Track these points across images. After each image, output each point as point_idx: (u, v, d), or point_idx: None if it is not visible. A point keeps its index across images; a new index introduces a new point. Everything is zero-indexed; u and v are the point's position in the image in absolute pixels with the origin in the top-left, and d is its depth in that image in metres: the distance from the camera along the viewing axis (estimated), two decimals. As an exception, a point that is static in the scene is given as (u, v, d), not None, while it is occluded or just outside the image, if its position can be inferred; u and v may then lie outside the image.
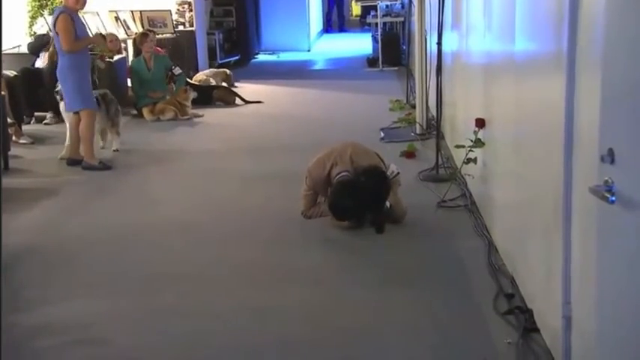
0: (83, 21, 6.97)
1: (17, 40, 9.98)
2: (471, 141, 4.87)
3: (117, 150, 7.23)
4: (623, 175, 1.97)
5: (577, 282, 2.75)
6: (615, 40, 2.12)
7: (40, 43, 9.18)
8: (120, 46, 9.93)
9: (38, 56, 9.07)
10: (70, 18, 6.46)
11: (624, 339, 2.12)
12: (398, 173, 4.95)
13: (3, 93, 7.39)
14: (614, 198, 1.99)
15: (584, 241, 2.59)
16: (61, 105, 6.93)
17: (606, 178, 2.02)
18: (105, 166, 6.68)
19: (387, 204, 4.75)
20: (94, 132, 6.79)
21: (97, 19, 9.94)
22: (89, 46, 6.96)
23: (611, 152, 2.03)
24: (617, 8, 2.10)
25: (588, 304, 2.54)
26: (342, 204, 4.66)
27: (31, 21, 10.39)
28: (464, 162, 5.06)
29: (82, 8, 6.76)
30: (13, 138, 7.48)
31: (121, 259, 4.58)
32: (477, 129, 4.81)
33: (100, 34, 7.06)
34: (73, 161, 6.75)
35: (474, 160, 4.94)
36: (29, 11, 10.41)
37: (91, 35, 6.97)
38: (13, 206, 5.71)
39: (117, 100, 7.44)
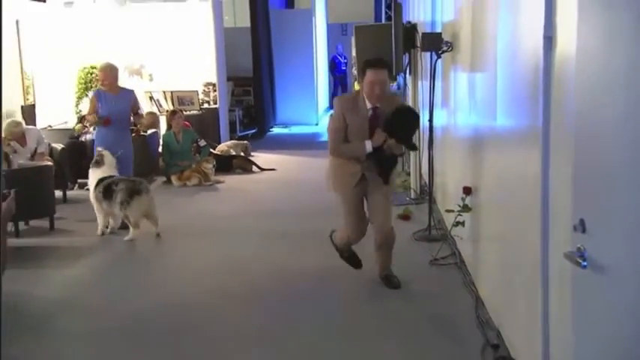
0: (117, 98, 6.89)
1: (65, 117, 10.15)
2: (459, 206, 4.85)
3: (159, 234, 6.41)
4: (594, 243, 1.95)
5: (555, 337, 2.69)
6: (585, 118, 2.11)
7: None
8: (158, 121, 10.09)
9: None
10: (95, 97, 6.77)
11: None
12: None
13: (51, 163, 7.47)
14: (586, 263, 1.96)
15: (561, 300, 2.55)
16: None
17: (579, 246, 1.99)
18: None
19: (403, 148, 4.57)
20: None
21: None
22: (121, 121, 6.93)
23: (582, 222, 2.00)
24: (585, 89, 2.09)
25: (566, 357, 2.48)
26: (400, 118, 4.39)
27: (78, 100, 10.56)
28: (453, 225, 5.02)
29: (108, 87, 6.87)
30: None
31: (147, 319, 4.51)
32: (464, 196, 4.79)
33: (94, 115, 6.87)
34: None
35: (462, 223, 4.90)
36: (76, 92, 10.59)
37: (124, 110, 6.98)
38: (57, 263, 5.70)
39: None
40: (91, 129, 8.91)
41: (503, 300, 3.70)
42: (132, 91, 7.13)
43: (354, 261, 4.97)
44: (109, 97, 6.84)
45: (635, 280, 1.74)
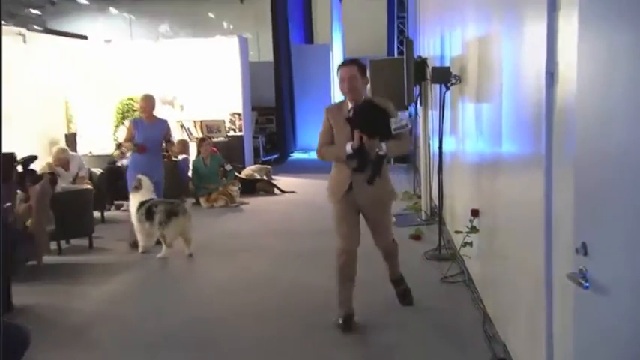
0: (152, 126, 6.93)
1: (104, 144, 10.29)
2: (468, 227, 4.81)
3: (191, 254, 6.42)
4: (596, 265, 1.92)
5: (558, 353, 2.65)
6: (586, 144, 2.08)
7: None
8: (188, 148, 10.19)
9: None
10: (133, 125, 6.87)
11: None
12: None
13: (91, 187, 7.56)
14: (587, 284, 1.93)
15: (564, 318, 2.51)
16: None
17: (581, 267, 1.96)
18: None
19: (384, 147, 4.13)
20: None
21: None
22: (153, 148, 6.96)
23: (584, 245, 1.98)
24: (586, 116, 2.07)
25: (570, 372, 2.43)
26: (363, 114, 4.14)
27: (115, 129, 10.71)
28: (462, 245, 4.98)
29: (146, 116, 6.94)
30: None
31: (172, 335, 4.52)
32: (472, 218, 4.75)
33: (130, 143, 6.94)
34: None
35: (470, 244, 4.86)
36: (114, 122, 10.75)
37: (161, 138, 7.04)
38: (94, 279, 5.74)
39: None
40: (127, 154, 9.02)
41: (509, 316, 3.65)
42: (165, 121, 7.21)
43: (346, 303, 4.31)
44: (145, 125, 6.93)
45: (634, 300, 1.72)
